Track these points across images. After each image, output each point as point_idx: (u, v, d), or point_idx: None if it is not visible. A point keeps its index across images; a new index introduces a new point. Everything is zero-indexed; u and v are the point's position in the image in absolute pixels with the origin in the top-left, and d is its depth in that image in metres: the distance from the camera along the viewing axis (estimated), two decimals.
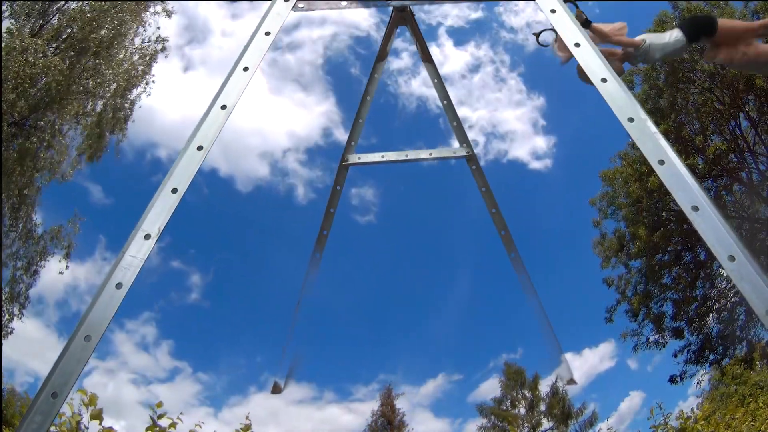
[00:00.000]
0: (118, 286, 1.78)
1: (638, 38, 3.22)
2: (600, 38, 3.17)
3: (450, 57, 24.62)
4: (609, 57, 3.14)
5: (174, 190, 1.96)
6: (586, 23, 3.10)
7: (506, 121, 24.83)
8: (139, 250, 1.85)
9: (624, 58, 3.30)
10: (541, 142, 24.87)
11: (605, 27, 3.21)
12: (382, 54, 3.47)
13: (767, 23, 3.24)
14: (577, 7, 3.10)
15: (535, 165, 24.61)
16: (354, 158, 3.63)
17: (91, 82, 13.67)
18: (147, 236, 1.87)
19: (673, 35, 3.19)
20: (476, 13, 23.96)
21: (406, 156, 3.63)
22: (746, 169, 16.33)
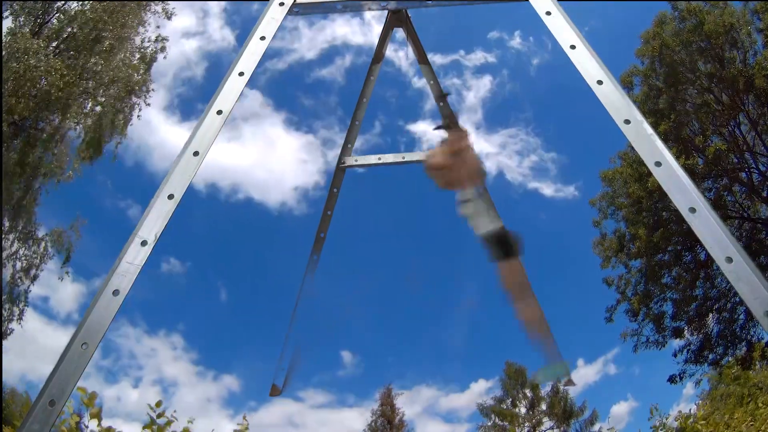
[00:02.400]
0: (115, 293, 1.78)
1: (474, 197, 2.84)
2: (453, 144, 2.85)
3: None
4: (443, 168, 2.82)
5: (170, 196, 1.95)
6: (450, 119, 2.94)
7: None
8: (135, 257, 1.85)
9: (450, 179, 2.88)
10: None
11: (464, 144, 2.86)
12: (378, 56, 3.47)
13: None
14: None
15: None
16: (351, 160, 3.64)
17: (91, 83, 13.68)
18: (144, 243, 1.87)
19: (489, 227, 2.82)
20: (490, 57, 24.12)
21: (403, 158, 3.64)
22: (746, 169, 16.33)
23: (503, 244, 2.78)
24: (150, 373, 22.11)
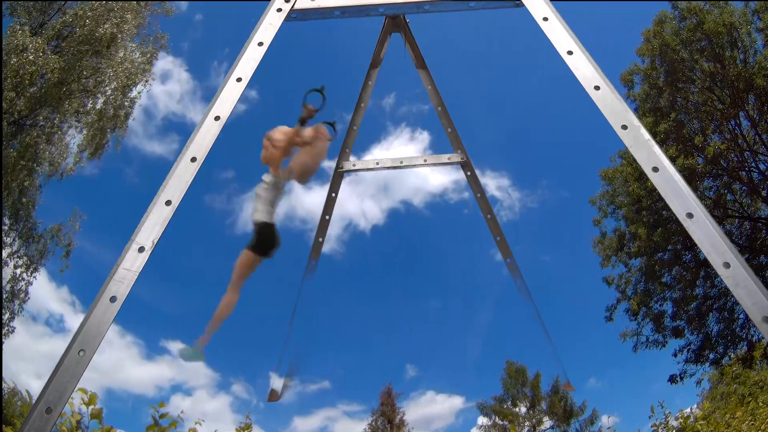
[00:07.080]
0: (113, 299, 1.78)
1: (274, 185, 3.07)
2: (302, 135, 3.07)
3: None
4: (274, 144, 3.06)
5: (168, 202, 1.96)
6: (303, 121, 3.07)
7: None
8: (133, 263, 1.85)
9: (272, 157, 3.13)
10: None
11: (308, 134, 3.08)
12: (376, 61, 3.46)
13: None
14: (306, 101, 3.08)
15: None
16: (349, 165, 3.62)
17: (91, 81, 13.66)
18: (141, 249, 1.88)
19: (265, 217, 3.06)
20: None
21: (401, 162, 3.62)
22: (746, 168, 16.30)
23: (264, 238, 3.00)
24: (205, 386, 23.28)
